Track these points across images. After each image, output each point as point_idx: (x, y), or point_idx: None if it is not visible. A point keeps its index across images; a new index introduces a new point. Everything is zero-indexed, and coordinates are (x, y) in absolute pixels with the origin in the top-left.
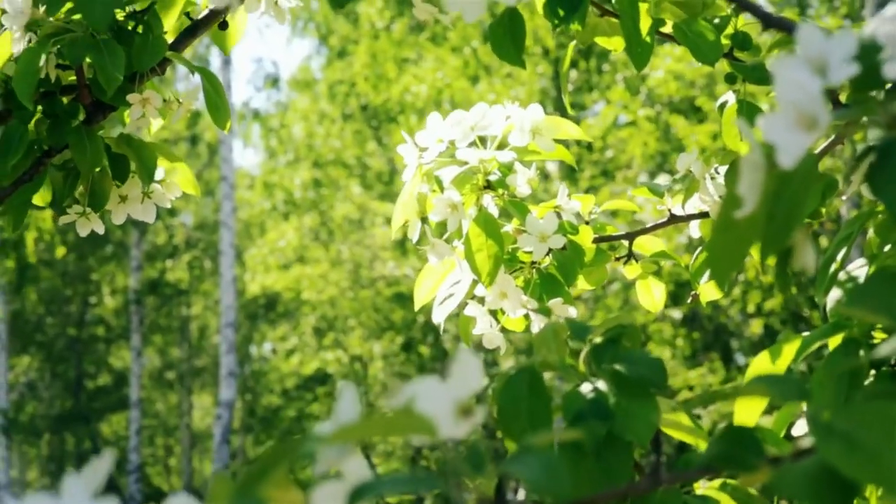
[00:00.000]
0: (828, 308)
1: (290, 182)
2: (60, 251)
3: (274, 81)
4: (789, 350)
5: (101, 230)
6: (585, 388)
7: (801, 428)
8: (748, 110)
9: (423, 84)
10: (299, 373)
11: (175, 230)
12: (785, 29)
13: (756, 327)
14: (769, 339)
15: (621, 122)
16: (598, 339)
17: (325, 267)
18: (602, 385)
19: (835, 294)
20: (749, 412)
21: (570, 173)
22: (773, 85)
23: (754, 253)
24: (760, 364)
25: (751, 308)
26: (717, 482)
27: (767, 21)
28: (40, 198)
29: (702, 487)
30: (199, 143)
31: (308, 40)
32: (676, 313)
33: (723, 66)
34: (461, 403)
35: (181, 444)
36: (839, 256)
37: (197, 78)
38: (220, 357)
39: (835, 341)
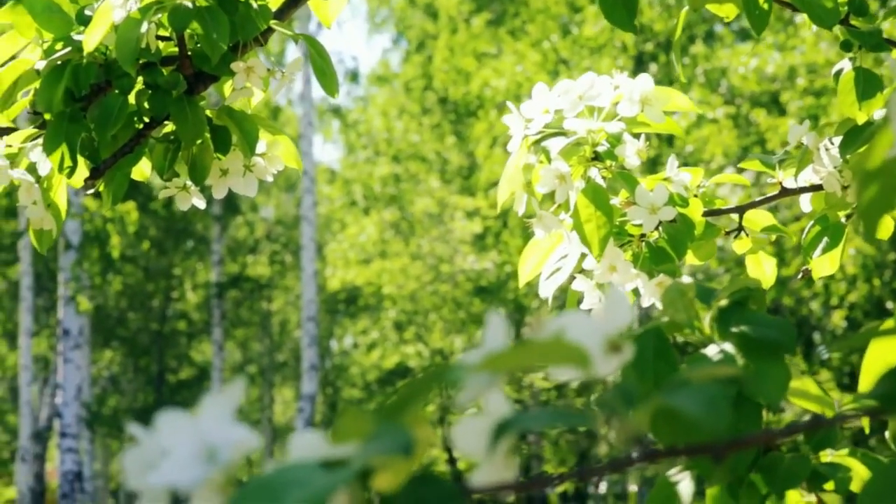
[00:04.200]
0: None
1: (369, 177)
2: (144, 245)
3: (353, 76)
4: None
5: (201, 205)
6: (711, 350)
7: None
8: (865, 78)
9: (503, 78)
10: (380, 367)
11: (256, 225)
12: None
13: (838, 319)
14: (852, 332)
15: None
16: (724, 302)
17: (406, 261)
18: (729, 347)
19: None
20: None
21: (651, 167)
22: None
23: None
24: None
25: (834, 300)
26: (845, 450)
27: None
28: (139, 172)
29: (829, 455)
30: None
31: (387, 35)
32: None
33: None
34: (611, 339)
35: (263, 437)
36: None
37: (296, 51)
38: (301, 351)
39: None
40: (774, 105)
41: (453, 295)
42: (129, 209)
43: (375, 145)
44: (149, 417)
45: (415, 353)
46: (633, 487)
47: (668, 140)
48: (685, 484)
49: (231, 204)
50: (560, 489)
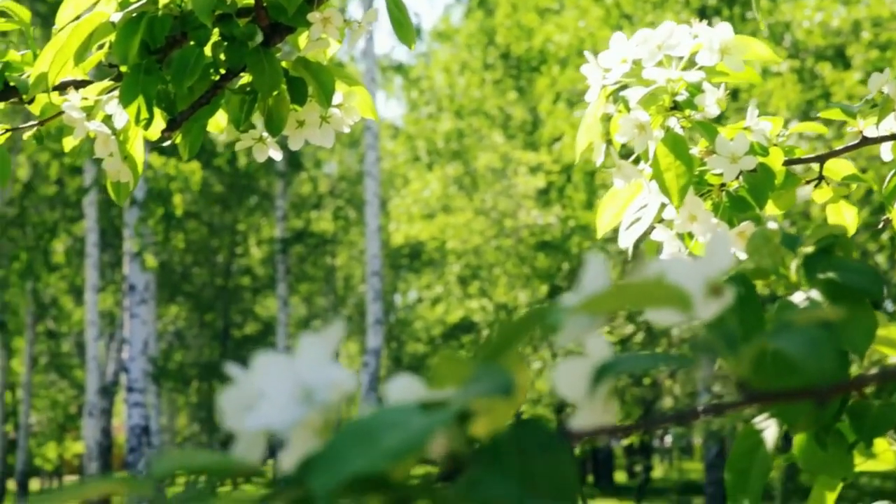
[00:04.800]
0: None
1: (432, 132)
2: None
3: (416, 33)
4: None
5: (278, 156)
6: (797, 297)
7: None
8: None
9: (565, 33)
10: (445, 321)
11: (319, 181)
12: None
13: None
14: None
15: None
16: (810, 249)
17: (469, 216)
18: (815, 294)
19: None
20: None
21: (716, 119)
22: None
23: None
24: None
25: None
26: None
27: None
28: (215, 124)
29: None
30: None
31: None
32: None
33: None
34: (711, 281)
35: None
36: None
37: (358, 7)
38: (366, 305)
39: None
40: (839, 59)
41: (517, 249)
42: (194, 167)
43: (438, 101)
44: (214, 372)
45: (479, 307)
46: (697, 440)
47: (732, 94)
48: (770, 431)
49: (294, 160)
50: (626, 442)
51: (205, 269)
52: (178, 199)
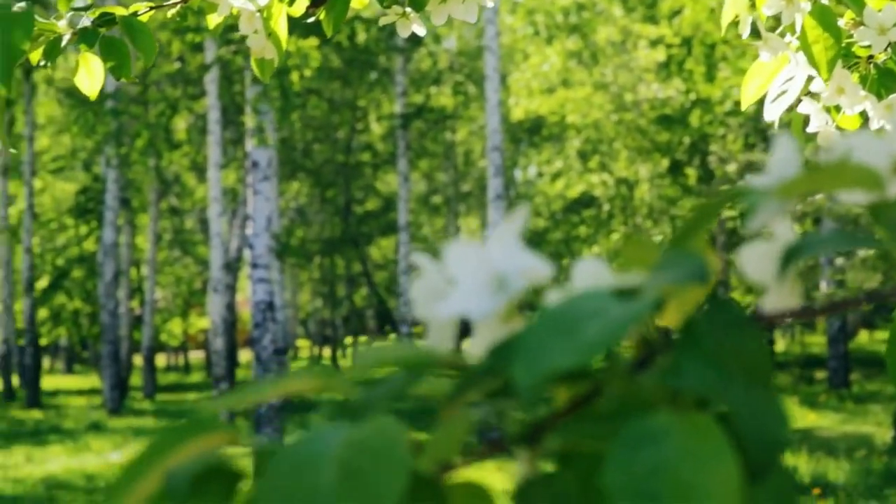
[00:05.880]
0: None
1: (551, 6)
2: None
3: None
4: None
5: (421, 31)
6: None
7: None
8: None
9: None
10: (565, 196)
11: (439, 56)
12: None
13: None
14: None
15: None
16: None
17: (589, 90)
18: None
19: None
20: None
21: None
22: None
23: None
24: None
25: None
26: None
27: None
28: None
29: None
30: None
31: None
32: None
33: None
34: None
35: None
36: None
37: None
38: (486, 181)
39: None
40: None
41: (637, 123)
42: (313, 44)
43: None
44: (336, 248)
45: (599, 182)
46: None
47: None
48: None
49: (413, 35)
50: None
51: (325, 146)
52: (295, 76)
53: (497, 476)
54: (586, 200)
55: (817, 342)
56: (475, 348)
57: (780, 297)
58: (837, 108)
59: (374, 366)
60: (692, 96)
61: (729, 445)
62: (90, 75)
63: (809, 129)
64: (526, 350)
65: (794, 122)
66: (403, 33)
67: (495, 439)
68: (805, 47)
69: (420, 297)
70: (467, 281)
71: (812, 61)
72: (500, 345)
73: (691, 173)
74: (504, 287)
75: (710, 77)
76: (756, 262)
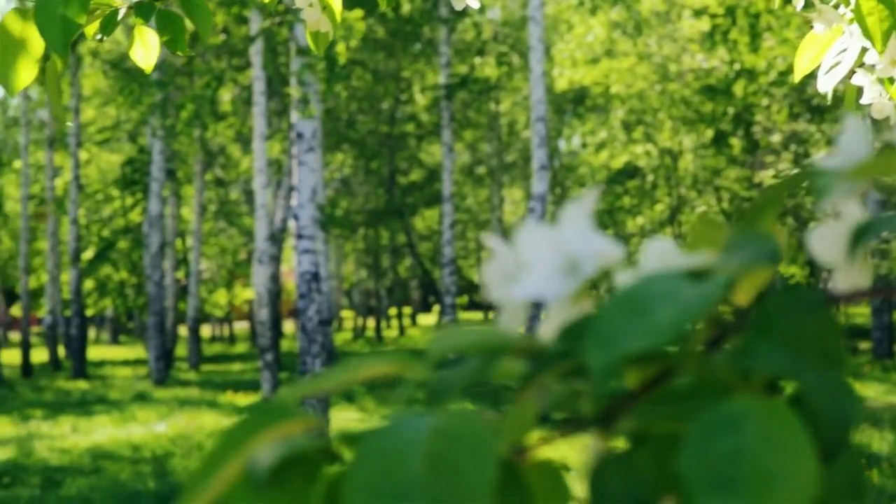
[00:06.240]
0: None
1: None
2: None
3: None
4: None
5: (475, 4)
6: None
7: None
8: None
9: None
10: (609, 166)
11: (483, 26)
12: None
13: None
14: None
15: None
16: None
17: (633, 60)
18: None
19: None
20: None
21: None
22: None
23: None
24: None
25: None
26: None
27: None
28: None
29: None
30: None
31: None
32: None
33: None
34: None
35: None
36: None
37: None
38: (530, 151)
39: None
40: None
41: (682, 94)
42: (358, 14)
43: None
44: (380, 218)
45: (643, 152)
46: None
47: None
48: None
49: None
50: None
51: (370, 117)
52: (341, 48)
53: (563, 449)
54: (630, 171)
55: (861, 313)
56: (547, 330)
57: (849, 277)
58: (891, 80)
59: (451, 350)
60: (736, 66)
61: (805, 431)
62: (145, 49)
63: (863, 101)
64: (599, 333)
65: (848, 93)
66: (458, 5)
67: (569, 421)
68: (859, 19)
69: (492, 279)
70: (540, 264)
71: (866, 33)
72: (573, 327)
73: (735, 143)
74: (576, 270)
75: (755, 47)
76: (825, 242)
